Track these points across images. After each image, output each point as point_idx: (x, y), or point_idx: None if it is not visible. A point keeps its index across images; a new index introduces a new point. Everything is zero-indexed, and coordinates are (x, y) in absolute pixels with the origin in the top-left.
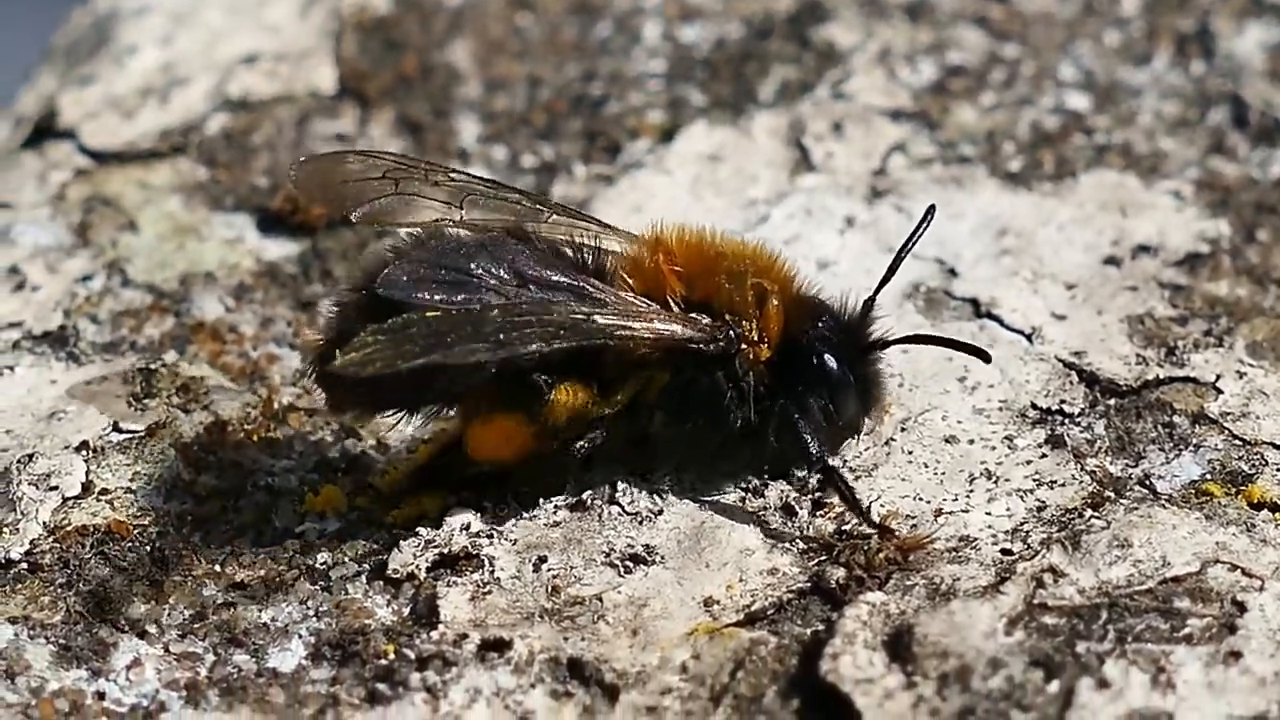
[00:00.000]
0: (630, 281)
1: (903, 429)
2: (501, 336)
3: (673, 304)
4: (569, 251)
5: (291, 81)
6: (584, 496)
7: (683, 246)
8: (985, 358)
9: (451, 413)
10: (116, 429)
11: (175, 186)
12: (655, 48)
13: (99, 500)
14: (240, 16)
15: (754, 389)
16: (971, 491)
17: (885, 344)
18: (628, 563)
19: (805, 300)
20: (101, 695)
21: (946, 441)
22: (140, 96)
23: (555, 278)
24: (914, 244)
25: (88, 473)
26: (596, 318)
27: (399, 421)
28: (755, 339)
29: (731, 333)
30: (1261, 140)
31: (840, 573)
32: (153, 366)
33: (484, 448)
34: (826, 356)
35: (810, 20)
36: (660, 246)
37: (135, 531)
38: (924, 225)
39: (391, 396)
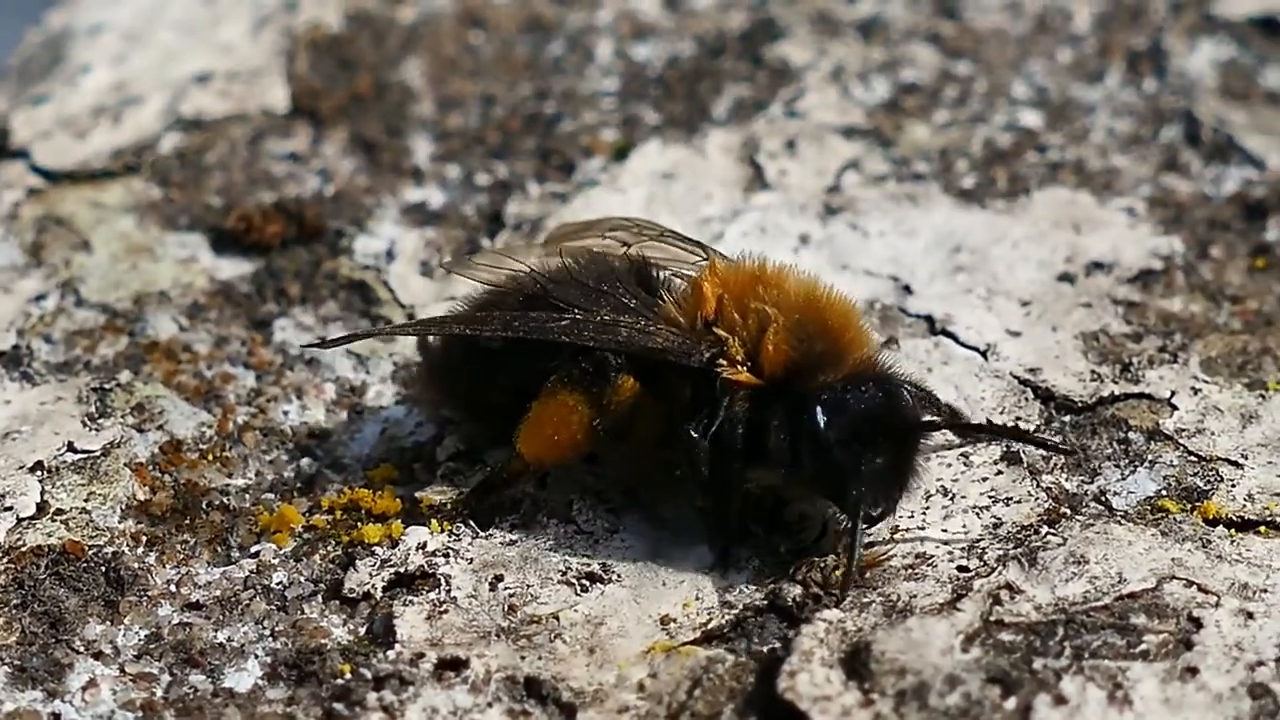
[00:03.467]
0: (674, 299)
1: None
2: (465, 326)
3: (698, 323)
4: (634, 274)
5: (244, 100)
6: (539, 516)
7: (734, 273)
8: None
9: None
10: (71, 449)
11: (128, 206)
12: (608, 66)
13: (54, 520)
14: (193, 36)
15: (732, 412)
16: (928, 509)
17: (914, 427)
18: (584, 581)
19: (860, 361)
20: (57, 716)
21: None
22: (93, 116)
23: (600, 296)
24: (1035, 444)
25: (42, 493)
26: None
27: (478, 420)
28: (739, 359)
29: (706, 347)
30: (1214, 157)
31: (797, 590)
32: (107, 386)
33: (537, 439)
34: (816, 409)
35: (763, 38)
36: (717, 273)
37: (90, 552)
38: (1055, 445)
39: (461, 385)
